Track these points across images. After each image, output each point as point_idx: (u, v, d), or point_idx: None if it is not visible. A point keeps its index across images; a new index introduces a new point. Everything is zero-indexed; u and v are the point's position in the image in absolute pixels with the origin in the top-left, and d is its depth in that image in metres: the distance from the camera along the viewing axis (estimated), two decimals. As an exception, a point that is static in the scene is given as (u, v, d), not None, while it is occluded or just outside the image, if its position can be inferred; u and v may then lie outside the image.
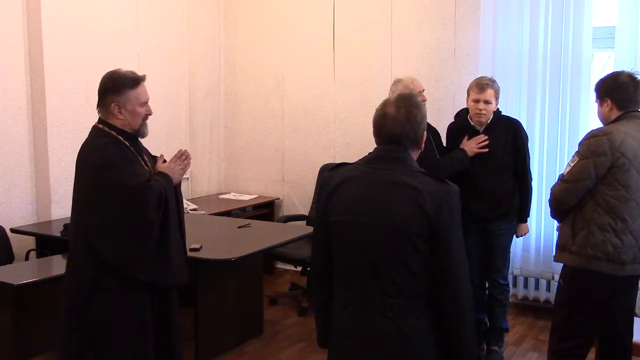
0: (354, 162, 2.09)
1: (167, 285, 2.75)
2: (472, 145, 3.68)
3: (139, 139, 2.76)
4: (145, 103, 2.70)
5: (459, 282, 1.93)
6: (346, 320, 2.01)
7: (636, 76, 2.88)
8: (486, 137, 3.69)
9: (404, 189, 1.91)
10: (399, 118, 1.96)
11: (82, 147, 2.69)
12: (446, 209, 1.89)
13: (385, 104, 2.02)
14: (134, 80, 2.65)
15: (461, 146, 3.72)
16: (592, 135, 2.84)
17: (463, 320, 1.95)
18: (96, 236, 2.56)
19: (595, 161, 2.76)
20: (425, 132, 2.04)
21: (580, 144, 2.88)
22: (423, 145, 2.04)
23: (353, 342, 2.00)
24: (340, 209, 2.00)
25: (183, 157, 2.81)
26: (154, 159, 2.84)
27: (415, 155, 2.02)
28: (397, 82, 3.82)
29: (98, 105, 2.69)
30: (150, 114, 2.73)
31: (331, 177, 2.07)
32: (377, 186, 1.95)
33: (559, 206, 2.92)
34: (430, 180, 1.93)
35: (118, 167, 2.56)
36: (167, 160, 2.86)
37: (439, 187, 1.92)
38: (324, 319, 2.13)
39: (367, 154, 2.07)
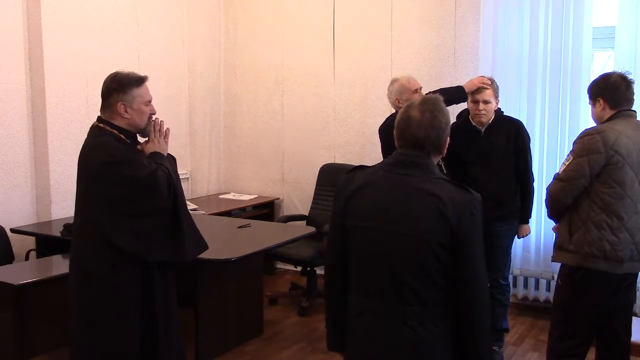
0: (372, 165, 2.05)
1: (179, 261, 2.82)
2: (474, 81, 3.70)
3: (142, 138, 2.81)
4: (149, 102, 2.75)
5: (478, 293, 1.90)
6: (363, 327, 1.97)
7: (627, 75, 2.90)
8: (490, 78, 3.73)
9: (426, 196, 1.87)
10: (423, 122, 1.91)
11: (84, 146, 2.73)
12: (469, 218, 1.85)
13: (409, 107, 1.96)
14: (139, 79, 2.71)
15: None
16: (585, 134, 2.85)
17: (480, 330, 1.92)
18: (113, 231, 2.62)
19: (590, 159, 2.76)
20: (448, 138, 1.99)
21: (574, 143, 2.88)
22: (445, 152, 1.99)
23: (371, 350, 1.95)
24: (359, 214, 1.95)
25: (160, 128, 2.81)
26: None
27: (435, 161, 1.97)
28: (393, 81, 3.82)
29: (102, 107, 2.73)
30: (154, 113, 2.78)
31: (349, 180, 2.02)
32: (398, 192, 1.90)
33: (555, 205, 2.92)
34: (453, 187, 1.89)
35: (126, 161, 2.63)
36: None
37: (461, 196, 1.87)
38: (337, 324, 2.09)
39: (386, 158, 2.02)
